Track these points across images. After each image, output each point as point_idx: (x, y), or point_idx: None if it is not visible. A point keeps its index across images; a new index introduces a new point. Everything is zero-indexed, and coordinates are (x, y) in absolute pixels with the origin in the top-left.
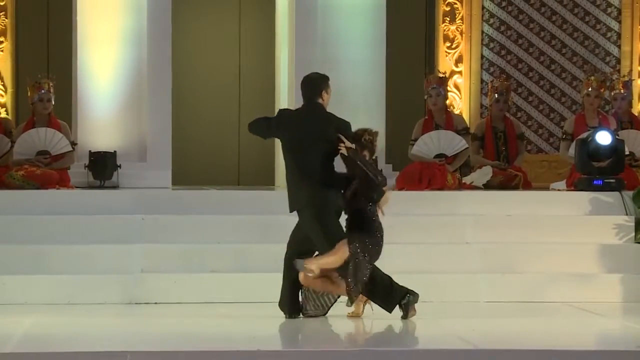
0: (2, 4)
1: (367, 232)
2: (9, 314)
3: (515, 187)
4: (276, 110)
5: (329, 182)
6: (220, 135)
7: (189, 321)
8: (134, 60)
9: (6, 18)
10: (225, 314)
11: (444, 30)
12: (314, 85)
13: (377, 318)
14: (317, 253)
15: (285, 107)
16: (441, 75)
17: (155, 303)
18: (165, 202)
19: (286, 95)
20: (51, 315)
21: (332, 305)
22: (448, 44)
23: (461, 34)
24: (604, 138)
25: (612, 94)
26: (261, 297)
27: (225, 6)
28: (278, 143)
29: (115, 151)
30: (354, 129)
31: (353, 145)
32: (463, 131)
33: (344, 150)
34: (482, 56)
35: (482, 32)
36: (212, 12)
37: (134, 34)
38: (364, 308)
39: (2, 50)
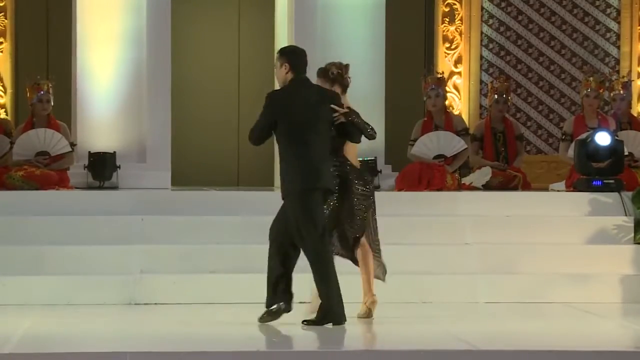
0: (1, 4)
1: None
2: (8, 315)
3: (514, 188)
4: None
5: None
6: (219, 136)
7: (189, 322)
8: (134, 61)
9: (5, 19)
10: (224, 315)
11: (443, 31)
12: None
13: (377, 319)
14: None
15: None
16: (439, 76)
17: (155, 304)
18: (165, 202)
19: None
20: (50, 316)
21: None
22: (447, 45)
23: (460, 34)
24: (603, 139)
25: (612, 94)
26: (260, 297)
27: (225, 6)
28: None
29: (114, 152)
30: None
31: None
32: (462, 132)
33: (342, 118)
34: (482, 57)
35: (482, 32)
36: (211, 12)
37: (133, 35)
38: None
39: (1, 51)
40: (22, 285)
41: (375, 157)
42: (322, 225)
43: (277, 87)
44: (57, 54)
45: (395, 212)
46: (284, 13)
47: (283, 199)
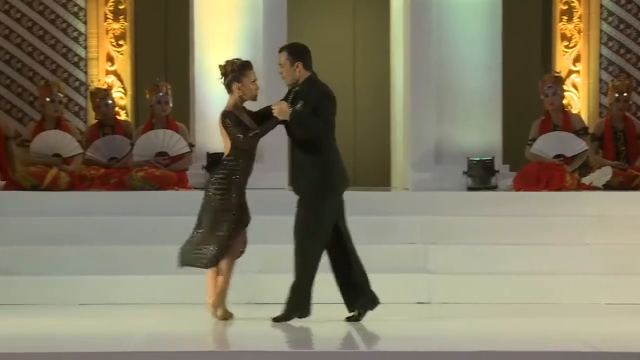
0: (121, 7)
1: None
2: (130, 313)
3: (635, 188)
4: (392, 111)
5: None
6: (335, 135)
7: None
8: (250, 61)
9: (125, 21)
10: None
11: (561, 29)
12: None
13: (497, 319)
14: None
15: (401, 106)
16: (556, 74)
17: (274, 303)
18: (281, 203)
19: (401, 95)
20: (169, 315)
21: None
22: (565, 43)
23: (579, 32)
24: None
25: None
26: (380, 297)
27: (340, 6)
28: (395, 142)
29: None
30: (471, 131)
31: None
32: (581, 131)
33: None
34: (601, 55)
35: (601, 30)
36: (327, 12)
37: (250, 35)
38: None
39: (121, 54)
40: (142, 285)
41: (493, 157)
42: None
43: (397, 88)
44: (175, 55)
45: (514, 212)
46: (399, 12)
47: (316, 196)
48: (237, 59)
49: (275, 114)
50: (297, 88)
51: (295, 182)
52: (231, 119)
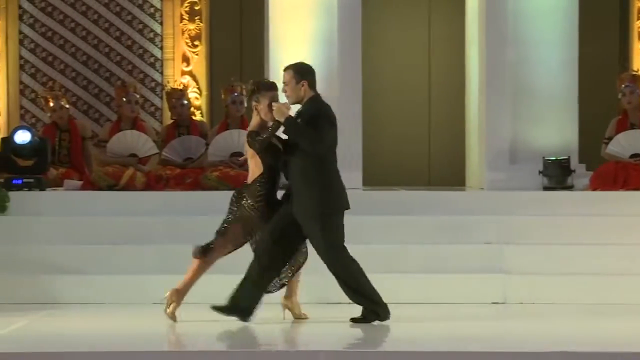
0: (197, 8)
1: None
2: (201, 313)
3: None
4: (467, 111)
5: None
6: (410, 136)
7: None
8: (325, 62)
9: (201, 22)
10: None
11: (639, 27)
12: None
13: (573, 319)
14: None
15: (476, 106)
16: (634, 73)
17: (340, 303)
18: (356, 203)
19: (476, 97)
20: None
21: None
22: None
23: None
24: None
25: None
26: (455, 297)
27: (415, 7)
28: (470, 142)
29: None
30: (547, 130)
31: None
32: None
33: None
34: None
35: None
36: (402, 13)
37: (324, 36)
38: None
39: (197, 54)
40: (215, 283)
41: (569, 156)
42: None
43: (473, 89)
44: (250, 55)
45: (590, 212)
46: (474, 12)
47: (320, 215)
48: (264, 79)
49: (274, 112)
50: (300, 107)
51: (297, 206)
52: (252, 137)
